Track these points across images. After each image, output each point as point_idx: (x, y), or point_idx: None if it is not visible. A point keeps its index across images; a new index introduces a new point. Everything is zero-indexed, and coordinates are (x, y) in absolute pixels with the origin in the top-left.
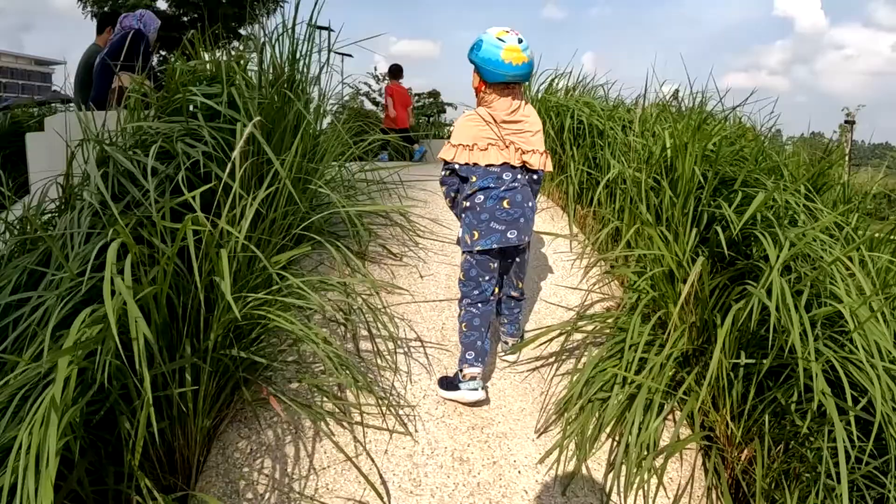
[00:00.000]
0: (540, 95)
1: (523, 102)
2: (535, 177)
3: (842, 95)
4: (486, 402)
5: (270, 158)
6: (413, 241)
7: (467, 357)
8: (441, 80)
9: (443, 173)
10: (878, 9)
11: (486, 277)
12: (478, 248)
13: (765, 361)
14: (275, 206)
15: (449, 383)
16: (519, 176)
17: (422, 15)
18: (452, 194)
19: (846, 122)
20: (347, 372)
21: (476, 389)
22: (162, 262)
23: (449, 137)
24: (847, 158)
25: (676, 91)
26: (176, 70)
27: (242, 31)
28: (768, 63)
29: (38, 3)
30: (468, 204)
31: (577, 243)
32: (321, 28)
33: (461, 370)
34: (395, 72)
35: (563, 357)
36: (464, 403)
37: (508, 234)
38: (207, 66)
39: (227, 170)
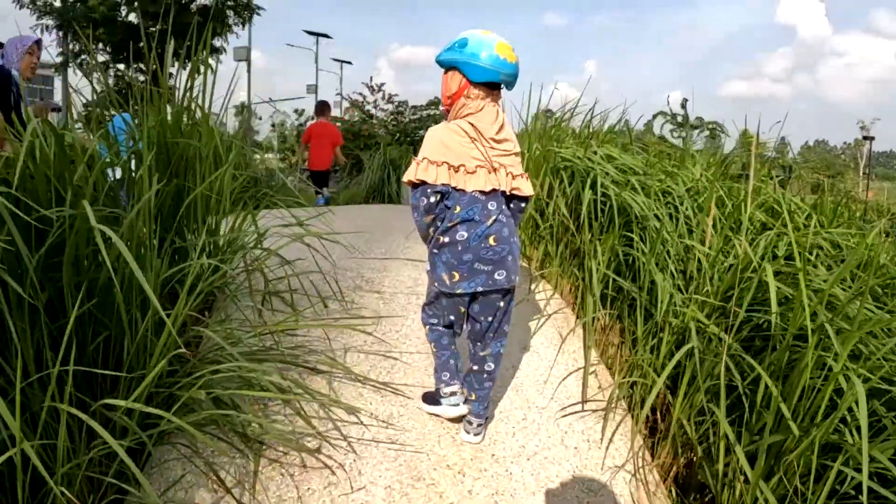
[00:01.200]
0: (536, 123)
1: (505, 116)
2: (522, 204)
3: (844, 103)
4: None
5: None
6: (345, 404)
7: (443, 378)
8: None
9: (425, 200)
10: (880, 17)
11: (459, 316)
12: (459, 290)
13: None
14: None
15: (431, 398)
16: (504, 207)
17: (424, 21)
18: (432, 231)
19: (864, 137)
20: None
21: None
22: None
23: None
24: (863, 174)
25: (685, 101)
26: None
27: (216, 43)
28: (770, 70)
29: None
30: (447, 239)
31: (593, 378)
32: (320, 35)
33: (439, 389)
34: (321, 109)
35: None
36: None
37: (496, 276)
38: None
39: None
